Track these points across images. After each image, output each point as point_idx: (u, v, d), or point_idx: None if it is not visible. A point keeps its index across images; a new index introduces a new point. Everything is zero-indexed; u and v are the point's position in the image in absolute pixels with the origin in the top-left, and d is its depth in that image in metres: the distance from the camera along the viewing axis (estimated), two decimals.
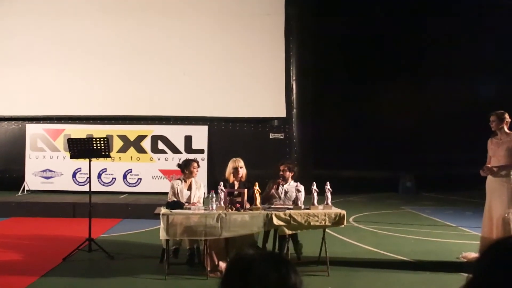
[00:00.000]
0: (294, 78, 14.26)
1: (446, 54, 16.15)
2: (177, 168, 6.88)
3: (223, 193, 5.84)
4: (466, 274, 4.53)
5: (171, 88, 13.70)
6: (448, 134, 15.86)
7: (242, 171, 6.44)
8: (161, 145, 13.34)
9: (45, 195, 12.40)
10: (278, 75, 13.97)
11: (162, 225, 5.67)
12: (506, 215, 6.00)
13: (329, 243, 6.18)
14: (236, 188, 6.26)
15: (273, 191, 6.60)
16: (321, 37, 14.82)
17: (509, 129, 6.24)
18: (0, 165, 13.62)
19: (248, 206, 5.92)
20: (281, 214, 5.73)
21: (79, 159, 7.69)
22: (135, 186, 13.24)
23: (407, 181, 15.58)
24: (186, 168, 6.54)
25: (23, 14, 13.82)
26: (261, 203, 5.98)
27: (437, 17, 16.05)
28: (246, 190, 5.97)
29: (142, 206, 10.13)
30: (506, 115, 6.22)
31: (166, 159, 13.26)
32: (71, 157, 7.19)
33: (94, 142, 6.96)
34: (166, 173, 13.05)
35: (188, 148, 13.29)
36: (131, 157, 13.32)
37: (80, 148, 6.95)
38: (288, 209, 5.90)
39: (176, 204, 5.97)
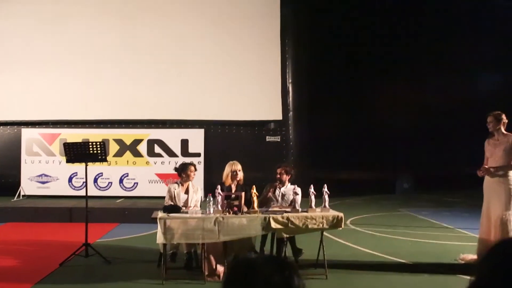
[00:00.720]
0: (290, 80, 14.26)
1: (443, 53, 16.18)
2: (173, 172, 6.86)
3: (220, 196, 5.82)
4: (464, 276, 4.53)
5: (167, 92, 13.66)
6: (445, 135, 15.89)
7: (240, 174, 6.44)
8: (157, 149, 13.31)
9: (41, 200, 12.34)
10: (274, 77, 13.97)
11: (159, 229, 5.65)
12: (504, 215, 6.00)
13: (327, 246, 6.17)
14: (233, 191, 6.25)
15: (270, 194, 6.59)
16: (317, 39, 14.82)
17: (506, 129, 6.25)
18: None
19: (245, 209, 5.90)
20: (279, 217, 5.71)
21: (75, 164, 7.66)
22: (132, 190, 13.19)
23: (404, 183, 15.58)
24: (183, 172, 6.51)
25: (18, 18, 13.77)
26: (258, 206, 5.96)
27: (434, 14, 16.09)
28: (243, 194, 5.95)
29: (139, 210, 10.08)
30: (503, 116, 6.23)
31: (162, 163, 13.23)
32: (67, 161, 7.14)
33: (91, 146, 6.93)
34: (163, 177, 13.02)
35: (185, 152, 13.26)
36: (127, 161, 13.28)
37: (76, 153, 6.92)
38: (286, 212, 5.89)
39: (173, 208, 5.95)
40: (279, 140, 14.08)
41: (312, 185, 6.04)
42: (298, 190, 6.13)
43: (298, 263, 6.23)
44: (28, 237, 8.41)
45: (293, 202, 6.11)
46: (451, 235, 8.63)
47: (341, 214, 5.86)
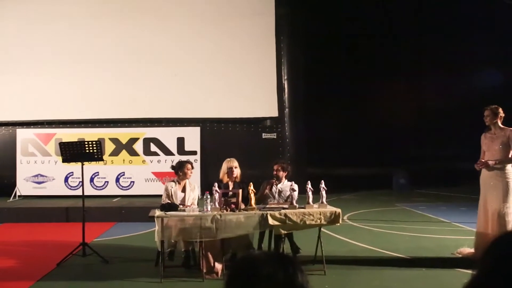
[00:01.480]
0: (285, 77, 14.26)
1: (438, 50, 16.21)
2: (170, 170, 6.85)
3: (217, 194, 5.81)
4: (462, 270, 4.54)
5: (162, 90, 13.64)
6: (441, 130, 15.93)
7: (237, 171, 6.43)
8: (153, 148, 13.28)
9: (37, 200, 12.30)
10: (269, 75, 13.96)
11: (157, 228, 5.64)
12: (501, 209, 6.02)
13: (325, 242, 6.17)
14: (230, 188, 6.24)
15: (267, 191, 6.59)
16: (312, 36, 14.83)
17: (503, 124, 6.26)
18: None
19: (243, 206, 5.89)
20: (276, 214, 5.71)
21: (71, 163, 7.63)
22: (128, 189, 13.16)
23: (400, 178, 15.62)
24: (180, 170, 6.50)
25: (14, 19, 13.70)
26: (256, 203, 5.96)
27: (431, 12, 16.11)
28: (240, 191, 5.95)
29: (136, 209, 10.07)
30: (500, 110, 6.24)
31: (158, 161, 13.20)
32: (63, 161, 7.11)
33: (86, 145, 6.90)
34: (159, 175, 13.00)
35: (181, 150, 13.24)
36: (124, 160, 13.24)
37: (72, 152, 6.89)
38: (283, 208, 5.88)
39: (171, 206, 5.93)
40: (275, 137, 14.08)
41: (309, 181, 6.04)
42: (295, 186, 6.13)
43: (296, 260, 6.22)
44: (24, 237, 8.38)
45: (290, 198, 6.10)
46: (448, 229, 8.66)
47: (338, 210, 5.86)
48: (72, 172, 12.97)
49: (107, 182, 13.19)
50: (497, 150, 6.16)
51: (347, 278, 5.65)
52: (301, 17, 14.70)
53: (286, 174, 6.64)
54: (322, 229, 6.16)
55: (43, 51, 13.56)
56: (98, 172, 13.11)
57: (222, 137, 13.78)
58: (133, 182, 13.18)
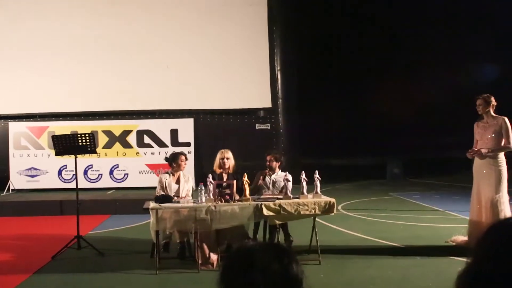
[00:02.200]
0: (278, 68, 14.22)
1: (432, 43, 16.23)
2: (164, 162, 6.84)
3: (212, 185, 5.81)
4: (455, 258, 4.57)
5: (155, 82, 13.57)
6: (434, 120, 15.99)
7: (229, 162, 6.42)
8: (147, 140, 13.23)
9: (31, 193, 12.24)
10: (262, 65, 13.91)
11: (152, 219, 5.65)
12: (494, 197, 6.06)
13: (320, 232, 6.19)
14: (224, 180, 6.24)
15: (260, 181, 6.59)
16: (305, 26, 14.79)
17: (495, 112, 6.28)
18: None
19: (237, 197, 5.90)
20: (271, 204, 5.72)
21: (64, 156, 7.60)
22: (122, 181, 13.13)
23: (394, 168, 15.68)
24: (173, 162, 6.49)
25: (2, 14, 13.54)
26: (250, 194, 5.96)
27: (425, 6, 16.13)
28: (235, 182, 5.95)
29: (130, 202, 10.04)
30: (492, 99, 6.26)
31: (152, 153, 13.17)
32: (56, 154, 7.08)
33: (79, 138, 6.86)
34: (153, 167, 12.97)
35: (175, 142, 13.21)
36: (117, 153, 13.20)
37: (65, 145, 6.85)
38: (278, 199, 5.89)
39: (165, 198, 5.93)
40: (269, 127, 14.06)
41: (303, 172, 6.05)
42: (289, 176, 6.15)
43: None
44: (19, 231, 8.36)
45: (284, 188, 6.11)
46: (442, 217, 8.72)
47: (333, 200, 5.88)
48: (66, 165, 12.91)
49: (101, 174, 13.15)
50: (489, 139, 6.20)
51: (342, 267, 5.69)
52: (294, 7, 14.64)
53: (279, 164, 6.64)
54: (316, 219, 6.18)
55: (35, 44, 13.42)
56: (91, 165, 13.06)
57: (216, 128, 13.74)
58: (127, 174, 13.15)
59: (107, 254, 6.46)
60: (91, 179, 13.10)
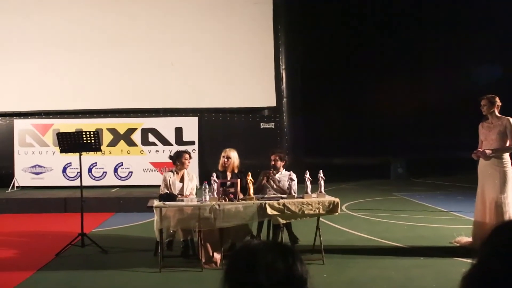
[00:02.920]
0: (283, 67, 14.20)
1: (436, 44, 16.19)
2: (168, 160, 6.84)
3: (216, 184, 5.80)
4: (459, 259, 4.56)
5: (160, 80, 13.59)
6: (438, 120, 15.95)
7: (231, 161, 6.41)
8: (151, 138, 13.26)
9: (36, 191, 12.29)
10: (267, 64, 13.91)
11: (155, 218, 5.65)
12: (499, 198, 6.03)
13: (323, 231, 6.19)
14: (229, 178, 6.24)
15: (264, 181, 6.58)
16: (310, 25, 14.77)
17: (499, 113, 6.25)
18: None
19: (241, 196, 5.90)
20: (275, 203, 5.71)
21: (69, 154, 7.62)
22: (127, 179, 13.16)
23: (398, 167, 15.64)
24: (177, 160, 6.50)
25: (6, 10, 13.59)
26: (254, 193, 5.96)
27: (430, 6, 16.07)
28: (239, 181, 5.95)
29: (134, 200, 10.06)
30: (497, 99, 6.23)
31: (157, 151, 13.19)
32: (61, 151, 7.10)
33: (84, 135, 6.88)
34: (157, 165, 12.99)
35: (179, 140, 13.22)
36: (122, 151, 13.23)
37: (70, 142, 6.87)
38: (282, 198, 5.89)
39: (169, 196, 5.93)
40: (273, 126, 14.06)
41: (307, 171, 6.05)
42: (294, 176, 6.14)
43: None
44: (23, 228, 8.39)
45: (288, 188, 6.11)
46: (446, 218, 8.69)
47: (337, 200, 5.87)
48: (70, 163, 12.95)
49: (105, 172, 13.18)
50: (494, 140, 6.17)
51: (345, 267, 5.68)
52: (299, 5, 14.62)
53: (283, 163, 6.63)
54: (320, 218, 6.18)
55: (39, 41, 13.48)
56: (96, 163, 13.09)
57: (220, 127, 13.75)
58: (131, 172, 13.18)
59: (111, 251, 6.48)
60: (95, 176, 13.13)
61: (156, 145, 13.23)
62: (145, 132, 13.26)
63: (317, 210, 5.80)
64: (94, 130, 7.24)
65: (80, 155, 6.94)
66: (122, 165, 13.19)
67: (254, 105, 13.99)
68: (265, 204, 5.67)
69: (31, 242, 7.33)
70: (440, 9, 16.09)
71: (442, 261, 5.80)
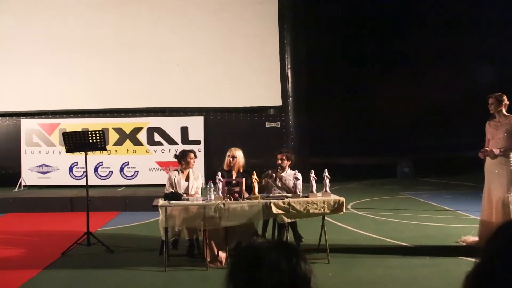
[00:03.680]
0: (289, 66, 14.18)
1: (443, 43, 16.12)
2: (174, 160, 6.85)
3: (221, 183, 5.80)
4: (466, 258, 4.53)
5: (166, 80, 13.61)
6: (444, 119, 15.88)
7: (237, 161, 6.41)
8: (157, 137, 13.27)
9: (42, 190, 12.34)
10: (273, 63, 13.89)
11: (161, 216, 5.67)
12: (505, 197, 6.00)
13: (329, 231, 6.18)
14: (234, 178, 6.24)
15: (267, 183, 6.57)
16: (316, 25, 14.75)
17: (507, 111, 6.21)
18: None
19: (246, 195, 5.90)
20: (280, 202, 5.71)
21: (75, 153, 7.64)
22: (132, 178, 13.19)
23: (404, 167, 15.58)
24: (183, 159, 6.50)
25: (14, 10, 13.66)
26: (259, 192, 5.96)
27: (434, 6, 16.01)
28: (244, 180, 5.94)
29: (140, 199, 10.09)
30: (505, 98, 6.19)
31: (162, 151, 13.21)
32: (67, 151, 7.13)
33: (90, 135, 6.90)
34: (163, 165, 13.01)
35: (185, 139, 13.23)
36: (128, 150, 13.26)
37: (76, 142, 6.90)
38: (287, 197, 5.88)
39: (174, 195, 5.94)
40: (279, 126, 14.04)
41: (312, 170, 6.03)
42: (299, 175, 6.13)
43: (301, 248, 6.22)
44: (29, 227, 8.43)
45: (294, 187, 6.10)
46: (452, 217, 8.65)
47: (342, 199, 5.85)
48: (77, 162, 12.99)
49: (111, 172, 13.22)
50: (501, 138, 6.13)
51: (351, 266, 5.66)
52: (304, 5, 14.60)
53: (290, 163, 6.63)
54: (325, 217, 6.17)
55: (46, 41, 13.52)
56: (102, 162, 13.13)
57: (226, 126, 13.76)
58: (137, 171, 13.21)
59: (117, 250, 6.50)
60: (101, 176, 13.17)
61: (162, 144, 13.25)
62: (151, 131, 13.29)
63: (322, 209, 5.79)
64: (100, 129, 7.26)
65: (86, 154, 6.96)
66: (128, 164, 13.22)
67: (260, 105, 13.99)
68: (270, 203, 5.67)
69: (37, 241, 7.37)
70: (447, 10, 16.05)
71: (448, 261, 5.77)
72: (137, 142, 13.26)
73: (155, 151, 13.22)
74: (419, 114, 16.06)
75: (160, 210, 5.65)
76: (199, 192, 6.52)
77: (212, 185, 5.78)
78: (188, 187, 6.45)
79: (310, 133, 14.46)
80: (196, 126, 13.36)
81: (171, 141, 13.21)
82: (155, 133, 13.26)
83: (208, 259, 5.69)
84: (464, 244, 6.48)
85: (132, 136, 13.27)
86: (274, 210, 5.66)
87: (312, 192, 5.92)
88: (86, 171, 7.05)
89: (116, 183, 13.00)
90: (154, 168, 13.14)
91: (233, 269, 1.44)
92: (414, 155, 15.67)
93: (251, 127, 13.83)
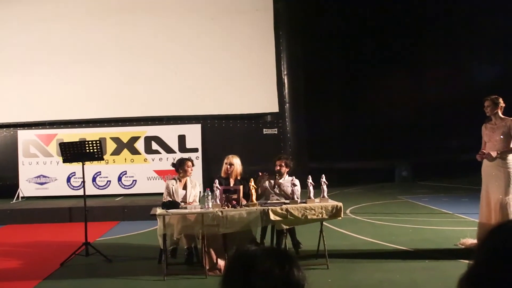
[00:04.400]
0: (285, 72, 14.23)
1: (439, 44, 16.17)
2: (172, 168, 6.85)
3: (218, 190, 5.81)
4: (464, 261, 4.54)
5: (162, 88, 13.63)
6: (441, 122, 15.91)
7: (234, 168, 6.41)
8: (154, 146, 13.28)
9: (40, 201, 12.32)
10: (269, 70, 13.93)
11: (159, 225, 5.66)
12: (503, 199, 6.01)
13: (327, 236, 6.17)
14: (231, 185, 6.24)
15: (266, 185, 6.57)
16: (311, 30, 14.80)
17: (503, 113, 6.23)
18: None
19: (244, 202, 5.90)
20: (278, 209, 5.71)
21: (73, 163, 7.64)
22: (131, 188, 13.18)
23: (402, 171, 15.60)
24: (180, 167, 6.50)
25: (12, 21, 13.69)
26: (257, 199, 5.96)
27: (432, 5, 16.07)
28: (241, 187, 5.95)
29: (138, 208, 10.07)
30: (501, 100, 6.21)
31: (160, 159, 13.21)
32: (64, 161, 7.13)
33: (87, 145, 6.90)
34: (161, 173, 13.00)
35: (182, 148, 13.24)
36: (125, 159, 13.26)
37: (73, 152, 6.89)
38: (285, 203, 5.88)
39: (172, 204, 5.93)
40: (276, 132, 14.06)
41: (310, 176, 6.04)
42: (296, 181, 6.14)
43: (299, 255, 6.23)
44: (28, 238, 8.40)
45: (291, 193, 6.10)
46: (451, 220, 8.65)
47: (340, 204, 5.85)
48: (74, 172, 12.98)
49: (109, 181, 13.21)
50: (498, 141, 6.15)
51: (350, 271, 5.66)
52: (300, 11, 14.66)
53: (288, 170, 6.63)
54: (324, 223, 6.16)
55: (42, 51, 13.55)
56: (100, 172, 13.12)
57: (223, 133, 13.77)
58: (135, 180, 13.20)
59: (115, 260, 6.48)
60: (99, 186, 13.16)
61: (159, 153, 13.25)
62: (148, 140, 13.29)
63: (320, 215, 5.78)
64: (97, 139, 7.26)
65: (83, 164, 6.96)
66: (126, 173, 13.22)
67: (257, 111, 14.01)
68: (268, 209, 5.66)
69: (36, 252, 7.35)
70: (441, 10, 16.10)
71: (447, 264, 5.77)
72: (135, 151, 13.26)
73: (153, 160, 13.22)
74: (417, 117, 16.08)
75: (158, 219, 5.65)
76: (197, 200, 6.52)
77: (209, 193, 5.78)
78: (186, 195, 6.44)
79: (307, 138, 14.47)
80: (194, 134, 13.37)
81: (169, 150, 13.22)
82: (153, 142, 13.27)
83: (207, 267, 5.68)
84: (463, 246, 6.49)
85: (130, 145, 13.27)
86: (272, 216, 5.66)
87: (310, 198, 5.93)
88: (83, 181, 7.04)
89: (114, 192, 12.99)
90: (152, 177, 13.14)
91: (227, 275, 1.44)
92: (412, 158, 15.68)
93: (248, 134, 13.84)
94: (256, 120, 14.16)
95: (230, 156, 6.54)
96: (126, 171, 13.22)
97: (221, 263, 5.80)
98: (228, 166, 6.41)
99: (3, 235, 8.99)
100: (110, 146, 13.17)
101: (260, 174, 6.53)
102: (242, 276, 1.39)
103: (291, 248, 6.29)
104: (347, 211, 9.65)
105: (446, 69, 16.38)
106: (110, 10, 13.80)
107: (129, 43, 13.67)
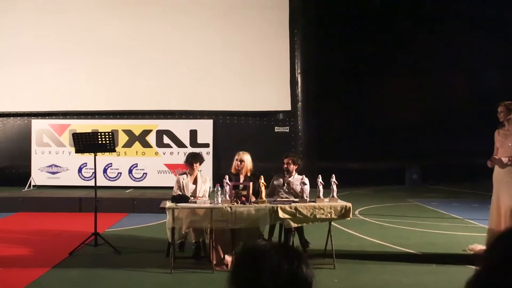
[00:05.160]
0: (299, 71, 14.21)
1: (450, 45, 16.02)
2: (182, 162, 6.89)
3: (228, 186, 5.82)
4: (473, 267, 4.51)
5: (176, 83, 13.68)
6: (454, 125, 15.77)
7: (245, 164, 6.41)
8: (166, 140, 13.34)
9: (51, 190, 12.43)
10: (282, 68, 13.93)
11: (168, 218, 5.70)
12: None
13: (335, 236, 6.17)
14: (241, 181, 6.25)
15: (276, 182, 6.59)
16: (326, 30, 14.74)
17: None
18: (6, 161, 13.68)
19: (253, 199, 5.91)
20: (287, 207, 5.71)
21: (85, 154, 7.70)
22: (141, 180, 13.26)
23: (413, 174, 15.50)
24: (187, 163, 6.56)
25: (27, 11, 13.81)
26: (266, 196, 5.97)
27: (438, 9, 15.93)
28: (251, 184, 5.96)
29: (148, 201, 10.13)
30: None
31: (171, 153, 13.27)
32: (76, 151, 7.19)
33: (99, 136, 6.96)
34: (172, 167, 13.06)
35: (193, 143, 13.29)
36: (137, 152, 13.33)
37: (85, 143, 6.95)
38: (294, 202, 5.89)
39: (182, 198, 5.97)
40: (287, 130, 14.06)
41: (320, 175, 6.03)
42: (306, 180, 6.14)
43: (307, 253, 6.23)
44: (38, 226, 8.49)
45: (301, 192, 6.10)
46: (460, 225, 8.59)
47: (349, 204, 5.85)
48: (86, 163, 13.08)
49: (120, 173, 13.30)
50: (510, 147, 6.08)
51: (357, 272, 5.65)
52: (315, 10, 14.61)
53: (296, 167, 6.62)
54: (332, 223, 6.16)
55: (59, 43, 13.66)
56: (111, 163, 13.21)
57: (235, 130, 13.79)
58: (146, 173, 13.27)
59: (123, 251, 6.53)
60: (110, 177, 13.25)
61: (170, 147, 13.31)
62: (160, 134, 13.36)
63: (329, 215, 5.78)
64: (109, 131, 7.32)
65: (95, 155, 7.02)
66: (137, 166, 13.30)
67: (269, 109, 14.01)
68: (277, 207, 5.67)
69: (45, 240, 7.43)
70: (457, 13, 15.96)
71: (455, 269, 5.74)
72: (146, 144, 13.34)
73: (164, 154, 13.29)
74: (430, 119, 15.94)
75: (167, 212, 5.68)
76: (207, 195, 6.55)
77: (219, 189, 5.80)
78: (195, 190, 6.48)
79: (319, 138, 14.43)
80: (205, 129, 13.41)
81: (180, 144, 13.27)
82: (164, 136, 13.33)
83: (214, 262, 5.70)
84: (472, 252, 6.44)
85: (142, 138, 13.35)
86: (281, 214, 5.67)
87: (319, 197, 5.92)
88: (95, 172, 7.11)
89: (124, 184, 13.08)
90: (162, 170, 13.20)
91: (235, 270, 1.45)
92: (423, 162, 15.56)
93: (260, 131, 13.85)
94: (268, 117, 14.17)
95: (241, 152, 6.55)
96: (137, 163, 13.30)
97: (228, 258, 5.83)
98: (239, 163, 6.42)
99: (14, 222, 9.10)
100: (122, 138, 13.25)
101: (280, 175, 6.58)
102: (251, 270, 1.39)
103: (298, 247, 6.29)
104: (356, 212, 9.62)
105: (462, 72, 16.24)
106: (125, 3, 13.88)
107: (144, 37, 13.73)
